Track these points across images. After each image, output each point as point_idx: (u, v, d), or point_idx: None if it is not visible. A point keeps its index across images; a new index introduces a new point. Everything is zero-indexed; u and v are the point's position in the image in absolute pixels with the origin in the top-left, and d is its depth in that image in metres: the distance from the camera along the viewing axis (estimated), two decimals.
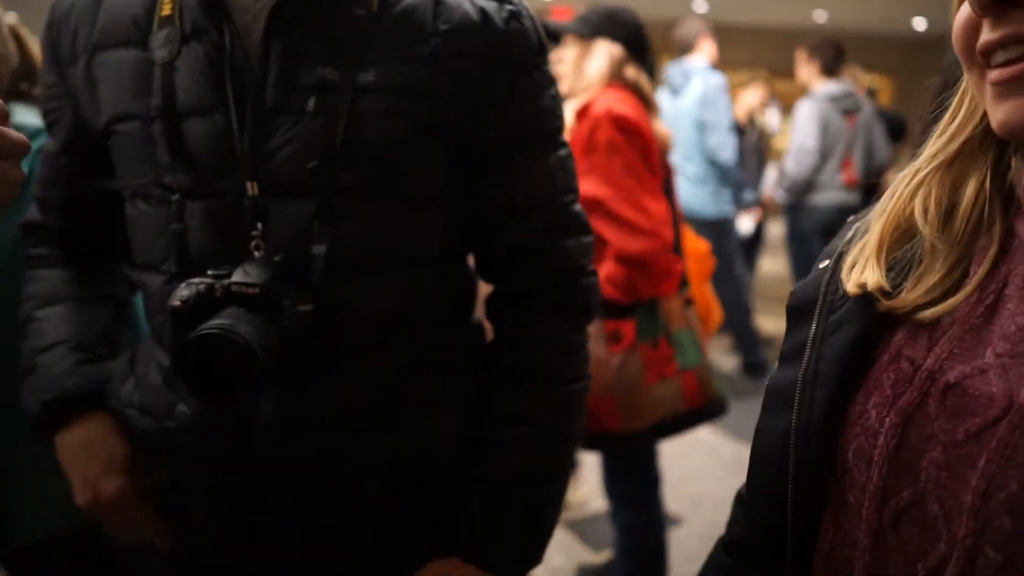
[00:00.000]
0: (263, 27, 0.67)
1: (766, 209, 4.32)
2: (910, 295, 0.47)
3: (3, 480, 1.06)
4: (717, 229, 3.44)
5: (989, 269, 0.44)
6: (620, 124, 1.45)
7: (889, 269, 0.49)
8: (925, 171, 0.48)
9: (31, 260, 0.87)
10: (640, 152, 1.46)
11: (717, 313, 1.78)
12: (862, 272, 0.49)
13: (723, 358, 4.03)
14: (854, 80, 4.24)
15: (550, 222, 0.78)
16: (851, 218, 0.58)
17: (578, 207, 0.80)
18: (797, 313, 0.54)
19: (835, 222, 3.65)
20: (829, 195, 3.65)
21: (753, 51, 8.98)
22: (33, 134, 1.08)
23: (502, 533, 0.77)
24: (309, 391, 0.71)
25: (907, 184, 0.49)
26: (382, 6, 0.70)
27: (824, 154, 3.60)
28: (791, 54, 3.86)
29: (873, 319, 0.48)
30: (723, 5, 8.42)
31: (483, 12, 0.72)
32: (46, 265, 0.86)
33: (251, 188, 0.68)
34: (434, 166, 0.73)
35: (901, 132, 4.51)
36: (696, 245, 1.73)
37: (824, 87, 3.63)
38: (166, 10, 0.69)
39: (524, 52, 0.74)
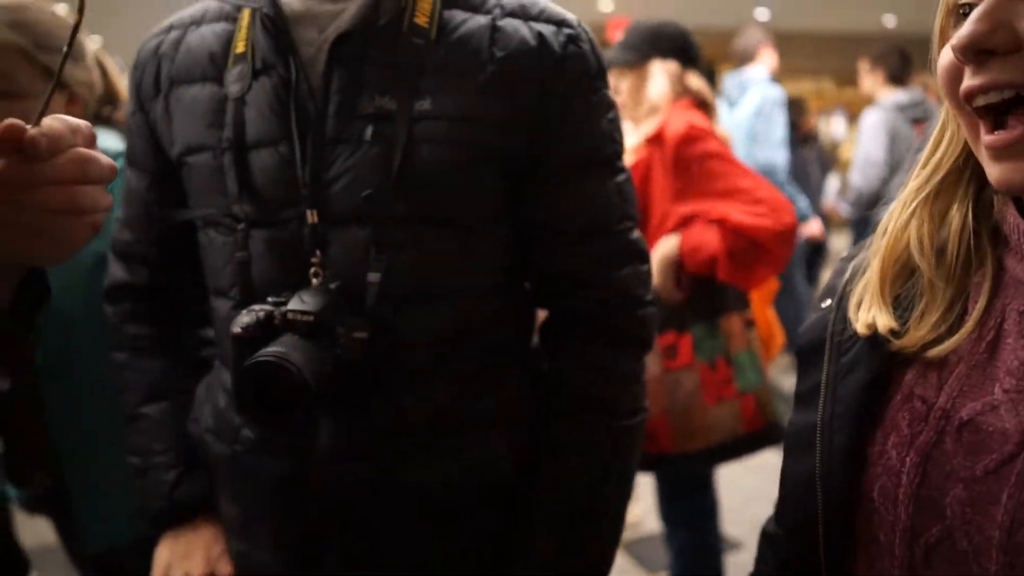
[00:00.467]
0: (325, 59, 0.70)
1: (828, 221, 4.17)
2: (916, 334, 0.48)
3: (76, 492, 1.12)
4: None
5: (985, 305, 0.46)
6: (704, 135, 1.45)
7: (894, 306, 0.50)
8: (913, 204, 0.50)
9: (131, 340, 0.88)
10: (725, 150, 1.48)
11: (779, 336, 1.73)
12: (869, 311, 0.50)
13: (783, 377, 3.91)
14: (925, 87, 4.07)
15: (606, 250, 0.77)
16: (845, 255, 0.60)
17: (636, 234, 0.79)
18: (807, 354, 0.56)
19: None
20: None
21: (818, 59, 8.74)
22: (115, 157, 1.14)
23: (558, 568, 0.76)
24: (364, 416, 0.72)
25: (898, 218, 0.51)
26: (439, 34, 0.71)
27: (892, 166, 3.46)
28: (857, 61, 3.73)
29: (884, 360, 0.49)
30: (785, 12, 8.23)
31: (540, 36, 0.72)
32: (143, 350, 0.87)
33: (311, 216, 0.70)
34: (490, 192, 0.73)
35: None
36: None
37: (891, 96, 3.49)
38: (240, 47, 0.73)
39: (581, 76, 0.74)
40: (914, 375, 0.48)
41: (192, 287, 0.84)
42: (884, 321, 0.49)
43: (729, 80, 3.47)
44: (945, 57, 0.46)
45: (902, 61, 3.51)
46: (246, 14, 0.73)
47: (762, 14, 8.45)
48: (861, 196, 3.50)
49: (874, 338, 0.49)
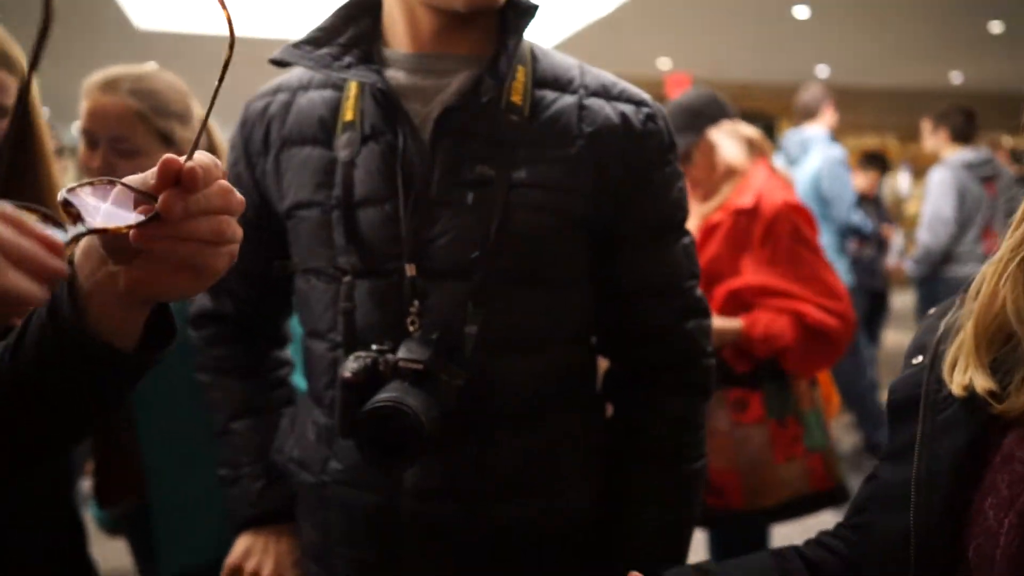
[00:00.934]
0: (431, 130, 0.76)
1: (889, 280, 4.08)
2: (1018, 400, 0.47)
3: (158, 512, 1.18)
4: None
5: None
6: (799, 215, 1.50)
7: (993, 369, 0.49)
8: (1007, 266, 0.49)
9: (215, 362, 0.95)
10: (814, 236, 1.52)
11: (836, 399, 1.73)
12: (965, 372, 0.50)
13: (843, 435, 3.79)
14: (993, 146, 4.00)
15: (678, 305, 0.83)
16: (932, 311, 0.59)
17: (699, 292, 0.85)
18: (899, 411, 0.55)
19: None
20: (968, 268, 3.42)
21: (880, 115, 8.66)
22: None
23: None
24: (454, 459, 0.77)
25: (992, 279, 0.50)
26: (533, 112, 0.78)
27: (962, 224, 3.39)
28: (922, 116, 3.70)
29: (983, 422, 0.49)
30: (846, 69, 8.20)
31: (623, 115, 0.79)
32: (227, 371, 0.95)
33: (410, 270, 0.76)
34: (576, 254, 0.79)
35: None
36: None
37: (958, 154, 3.44)
38: (349, 116, 0.80)
39: (658, 150, 0.81)
40: (1015, 438, 0.48)
41: (273, 315, 0.93)
42: (982, 383, 0.48)
43: (790, 137, 3.50)
44: None
45: (965, 120, 3.47)
46: (353, 85, 0.80)
47: (822, 71, 8.44)
48: (930, 254, 3.44)
49: (972, 399, 0.49)
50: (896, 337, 5.52)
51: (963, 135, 3.47)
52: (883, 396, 3.24)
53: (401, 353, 0.73)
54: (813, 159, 3.30)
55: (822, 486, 1.50)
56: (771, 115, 9.34)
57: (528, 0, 0.80)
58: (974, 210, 3.39)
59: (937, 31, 6.53)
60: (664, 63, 8.02)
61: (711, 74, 8.40)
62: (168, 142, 1.21)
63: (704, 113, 1.59)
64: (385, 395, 0.69)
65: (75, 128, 1.21)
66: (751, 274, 1.48)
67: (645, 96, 0.83)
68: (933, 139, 3.55)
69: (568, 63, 0.83)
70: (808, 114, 3.45)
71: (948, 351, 0.53)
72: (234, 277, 0.90)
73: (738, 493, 1.47)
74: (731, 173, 1.58)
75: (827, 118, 3.41)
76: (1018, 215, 0.50)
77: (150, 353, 0.50)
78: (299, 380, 1.22)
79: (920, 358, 0.56)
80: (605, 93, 0.80)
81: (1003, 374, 0.49)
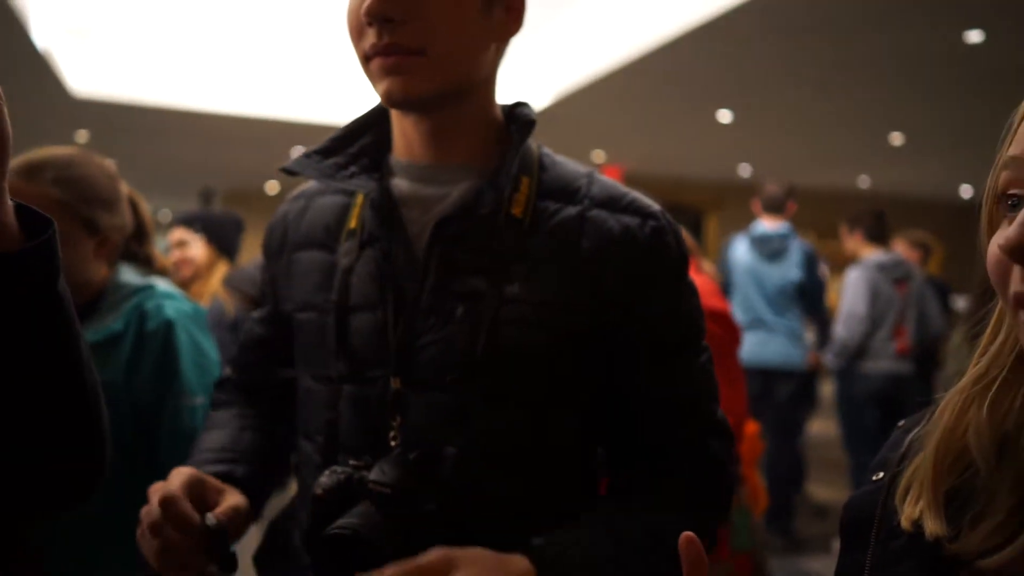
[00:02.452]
0: (427, 238, 0.75)
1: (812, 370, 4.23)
2: (972, 539, 0.44)
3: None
4: (803, 379, 3.69)
5: None
6: (716, 322, 1.46)
7: (950, 498, 0.47)
8: (969, 394, 0.48)
9: (213, 405, 0.95)
10: (728, 344, 1.48)
11: (763, 498, 1.73)
12: (917, 505, 0.47)
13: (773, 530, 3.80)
14: (907, 246, 4.29)
15: (695, 424, 0.78)
16: (901, 424, 0.56)
17: (721, 414, 0.80)
18: (852, 530, 0.52)
19: (887, 391, 3.57)
20: (881, 363, 3.59)
21: (799, 212, 9.20)
22: (134, 291, 1.18)
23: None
24: None
25: (954, 408, 0.48)
26: (534, 223, 0.76)
27: (875, 321, 3.58)
28: (837, 216, 3.96)
29: (935, 558, 0.46)
30: (766, 169, 8.76)
31: (626, 228, 0.76)
32: (223, 406, 0.93)
33: (394, 382, 0.73)
34: (571, 373, 0.75)
35: (944, 298, 4.48)
36: (747, 426, 1.71)
37: (872, 255, 3.68)
38: (352, 224, 0.80)
39: (665, 266, 0.77)
40: None
41: (284, 413, 0.90)
42: (932, 527, 0.45)
43: (764, 229, 3.64)
44: (993, 249, 0.44)
45: (876, 221, 3.72)
46: (361, 193, 0.80)
47: (745, 169, 8.99)
48: (845, 348, 3.61)
49: (921, 535, 0.46)
50: (819, 426, 5.67)
51: (876, 236, 3.73)
52: (809, 487, 3.35)
53: (373, 474, 0.69)
54: (795, 253, 3.55)
55: None
56: (699, 209, 9.82)
57: (527, 115, 0.80)
58: (886, 309, 3.60)
59: (846, 139, 7.09)
60: (598, 155, 8.38)
61: (643, 168, 8.83)
62: (93, 230, 1.15)
63: None
64: (345, 520, 0.66)
65: None
66: None
67: (655, 208, 0.79)
68: (850, 240, 3.79)
69: (577, 172, 0.81)
70: (775, 210, 3.63)
71: (905, 474, 0.49)
72: (246, 378, 0.93)
73: None
74: None
75: (788, 214, 3.67)
76: (984, 339, 0.49)
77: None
78: None
79: (880, 475, 0.52)
80: (611, 205, 0.78)
81: (958, 506, 0.46)
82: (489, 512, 0.72)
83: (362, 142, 0.82)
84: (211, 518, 0.71)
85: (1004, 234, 0.42)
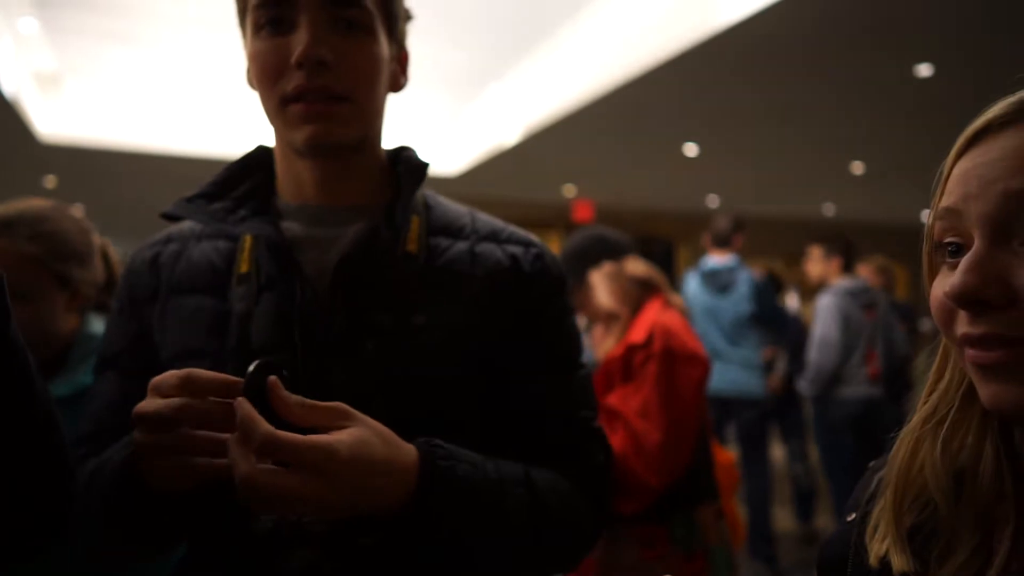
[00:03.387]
0: (328, 279, 0.75)
1: (775, 392, 4.28)
2: (938, 574, 0.44)
3: None
4: (762, 408, 3.73)
5: (1010, 547, 0.43)
6: (679, 359, 1.49)
7: (913, 533, 0.47)
8: (920, 433, 0.49)
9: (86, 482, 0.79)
10: (685, 381, 1.50)
11: (742, 530, 1.73)
12: (883, 543, 0.47)
13: (750, 562, 3.80)
14: (871, 271, 4.40)
15: (575, 434, 0.82)
16: (872, 464, 0.57)
17: (596, 424, 0.85)
18: (828, 571, 0.53)
19: (862, 415, 3.62)
20: (856, 388, 3.65)
21: (766, 240, 9.39)
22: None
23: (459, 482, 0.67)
24: None
25: (908, 446, 0.49)
26: (428, 258, 0.79)
27: (847, 347, 3.65)
28: (802, 243, 4.05)
29: None
30: (733, 198, 8.94)
31: (513, 257, 0.82)
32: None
33: None
34: (473, 389, 0.79)
35: (912, 320, 4.59)
36: (722, 456, 1.72)
37: (842, 282, 3.76)
38: (244, 267, 0.78)
39: (547, 287, 0.84)
40: None
41: None
42: (899, 563, 0.45)
43: (714, 263, 3.74)
44: (937, 294, 0.46)
45: (850, 249, 3.83)
46: (248, 237, 0.79)
47: (713, 200, 9.17)
48: (820, 373, 3.65)
49: (889, 572, 0.46)
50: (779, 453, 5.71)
51: (847, 265, 3.84)
52: (780, 513, 3.35)
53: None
54: (743, 285, 3.64)
55: None
56: (669, 239, 9.96)
57: (417, 159, 0.83)
58: (857, 334, 3.67)
59: (809, 168, 7.28)
60: (569, 190, 8.48)
61: (613, 201, 8.96)
62: (65, 284, 1.14)
63: (588, 255, 1.66)
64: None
65: None
66: (612, 397, 1.50)
67: (532, 238, 0.87)
68: (823, 265, 3.86)
69: (459, 211, 0.86)
70: (723, 243, 3.74)
71: (873, 512, 0.50)
72: (109, 432, 0.80)
73: None
74: (611, 316, 1.63)
75: (737, 247, 3.76)
76: (930, 379, 0.50)
77: None
78: None
79: (852, 515, 0.53)
80: (495, 237, 0.84)
81: (922, 541, 0.47)
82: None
83: (246, 186, 0.82)
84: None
85: (948, 282, 0.43)
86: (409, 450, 0.64)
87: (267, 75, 0.74)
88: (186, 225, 0.85)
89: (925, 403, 0.50)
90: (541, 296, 0.83)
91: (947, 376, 0.49)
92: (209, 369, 0.73)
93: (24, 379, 0.63)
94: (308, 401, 0.59)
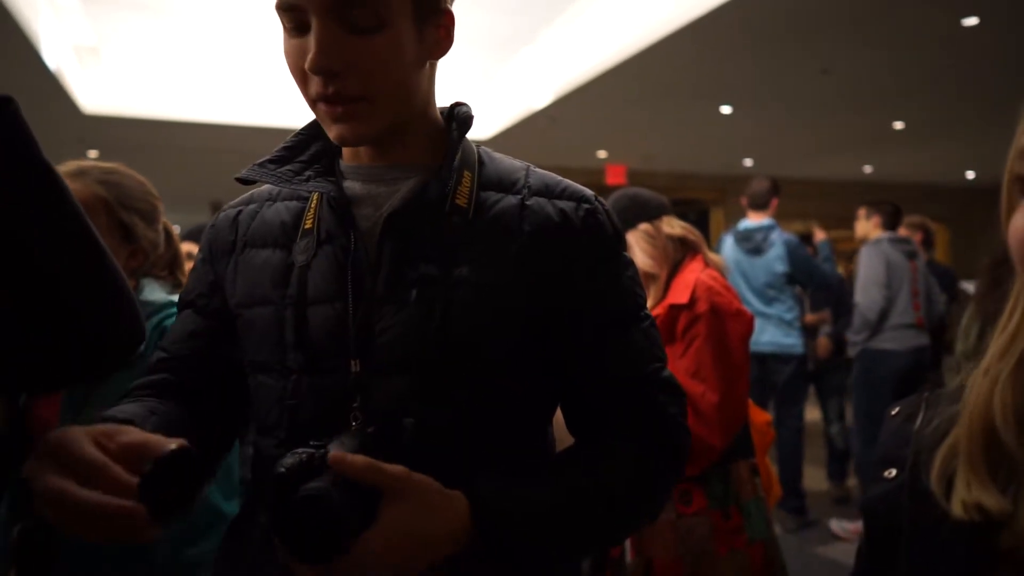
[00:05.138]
0: (379, 232, 0.80)
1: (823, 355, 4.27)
2: (1020, 523, 0.41)
3: None
4: (800, 364, 3.76)
5: None
6: (724, 317, 1.51)
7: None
8: (995, 371, 0.47)
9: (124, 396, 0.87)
10: (734, 340, 1.53)
11: (777, 488, 1.76)
12: (969, 489, 0.44)
13: (786, 518, 3.84)
14: (906, 230, 4.35)
15: (643, 388, 0.82)
16: (894, 411, 0.55)
17: (667, 373, 0.85)
18: (879, 533, 0.50)
19: (912, 368, 3.58)
20: (904, 336, 3.63)
21: (802, 203, 9.21)
22: (157, 309, 1.24)
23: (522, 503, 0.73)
24: None
25: (980, 386, 0.47)
26: (476, 212, 0.82)
27: (893, 291, 3.64)
28: (841, 205, 4.05)
29: (985, 542, 0.43)
30: (769, 160, 8.77)
31: (563, 212, 0.82)
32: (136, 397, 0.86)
33: (354, 366, 0.78)
34: (520, 349, 0.81)
35: (951, 285, 4.51)
36: (758, 416, 1.74)
37: (884, 234, 3.77)
38: (308, 224, 0.84)
39: (600, 242, 0.84)
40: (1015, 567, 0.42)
41: (221, 409, 0.89)
42: (995, 503, 0.42)
43: (747, 226, 3.77)
44: (1017, 224, 0.45)
45: (895, 211, 3.87)
46: (315, 197, 0.85)
47: (748, 162, 9.00)
48: (866, 316, 3.66)
49: (969, 523, 0.43)
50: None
51: (892, 224, 3.85)
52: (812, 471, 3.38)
53: (332, 448, 0.71)
54: (777, 247, 3.64)
55: None
56: (704, 202, 9.84)
57: (466, 113, 0.86)
58: (902, 277, 3.66)
59: (848, 127, 7.10)
60: (602, 154, 8.40)
61: (646, 165, 8.85)
62: (127, 236, 1.21)
63: (624, 217, 1.66)
64: (311, 485, 0.66)
65: None
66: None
67: (588, 193, 0.86)
68: (865, 223, 3.87)
69: (515, 166, 0.88)
70: (760, 206, 3.75)
71: (934, 463, 0.46)
72: (185, 368, 0.89)
73: None
74: (647, 276, 1.64)
75: (772, 210, 3.76)
76: (1003, 317, 0.48)
77: None
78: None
79: (893, 472, 0.50)
80: (548, 192, 0.84)
81: (1000, 486, 0.44)
82: (447, 479, 0.74)
83: (311, 150, 0.88)
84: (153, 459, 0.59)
85: None
86: (457, 508, 0.69)
87: (294, 75, 0.77)
88: (265, 188, 0.91)
89: (998, 342, 0.48)
90: (593, 251, 0.82)
91: (1018, 315, 0.47)
92: (270, 317, 0.82)
93: (61, 197, 0.69)
94: (374, 464, 0.64)
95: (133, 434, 0.64)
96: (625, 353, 0.82)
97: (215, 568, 0.90)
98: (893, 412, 0.56)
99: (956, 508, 0.44)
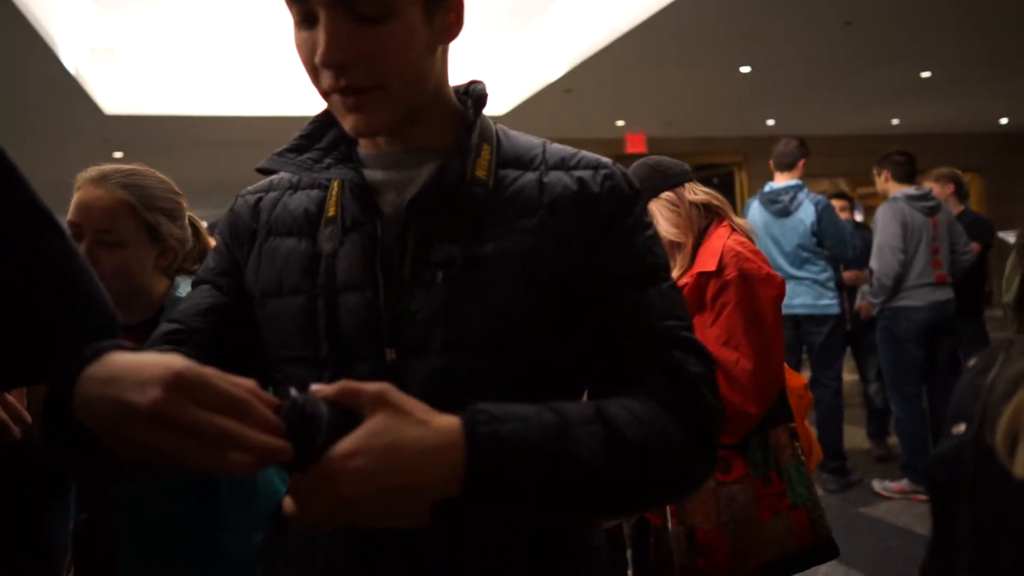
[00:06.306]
0: (402, 218, 0.80)
1: (863, 316, 4.20)
2: None
3: None
4: (837, 324, 3.71)
5: None
6: (754, 283, 1.49)
7: None
8: None
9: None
10: (766, 305, 1.51)
11: (818, 449, 1.74)
12: None
13: (829, 480, 3.82)
14: (936, 183, 4.23)
15: (658, 342, 0.78)
16: (971, 363, 0.52)
17: (688, 334, 0.80)
18: (945, 490, 0.48)
19: (935, 322, 3.53)
20: (922, 294, 3.55)
21: (829, 160, 9.02)
22: None
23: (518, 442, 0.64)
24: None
25: None
26: (496, 189, 0.81)
27: (910, 251, 3.55)
28: (869, 160, 3.94)
29: None
30: (792, 119, 8.58)
31: (580, 180, 0.82)
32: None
33: (389, 353, 0.78)
34: (549, 319, 0.80)
35: (988, 234, 4.36)
36: (794, 380, 1.72)
37: (901, 190, 3.65)
38: (331, 212, 0.84)
39: (618, 203, 0.82)
40: None
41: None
42: None
43: (775, 188, 3.71)
44: None
45: (906, 161, 3.71)
46: (336, 184, 0.85)
47: (770, 123, 8.82)
48: (882, 280, 3.60)
49: None
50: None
51: (905, 175, 3.69)
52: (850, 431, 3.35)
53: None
54: (806, 209, 3.58)
55: (807, 543, 1.49)
56: (729, 166, 9.68)
57: (480, 90, 0.86)
58: (920, 239, 3.56)
59: (873, 80, 6.91)
60: (620, 123, 8.30)
61: (666, 132, 8.72)
62: (154, 236, 1.23)
63: (645, 186, 1.62)
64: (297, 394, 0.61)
65: None
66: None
67: (604, 160, 0.85)
68: (880, 181, 3.76)
69: (532, 143, 0.87)
70: (787, 167, 3.68)
71: (1001, 419, 0.43)
72: (198, 343, 0.84)
73: (726, 553, 1.46)
74: (672, 245, 1.62)
75: (800, 171, 3.69)
76: None
77: None
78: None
79: (962, 427, 0.48)
80: (563, 165, 0.84)
81: None
82: None
83: (329, 137, 0.87)
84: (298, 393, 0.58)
85: None
86: (449, 424, 0.63)
87: (306, 68, 0.76)
88: (285, 176, 0.91)
89: None
90: (611, 214, 0.81)
91: None
92: (299, 306, 0.81)
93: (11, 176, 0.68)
94: (351, 384, 0.59)
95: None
96: (637, 310, 0.79)
97: (262, 551, 0.90)
98: (970, 364, 0.54)
99: (1018, 469, 0.42)
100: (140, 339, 0.85)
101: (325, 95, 0.77)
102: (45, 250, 0.76)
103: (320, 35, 0.71)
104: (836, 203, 4.03)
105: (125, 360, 0.58)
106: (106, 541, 1.21)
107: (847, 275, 4.05)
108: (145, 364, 0.56)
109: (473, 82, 0.88)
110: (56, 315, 0.76)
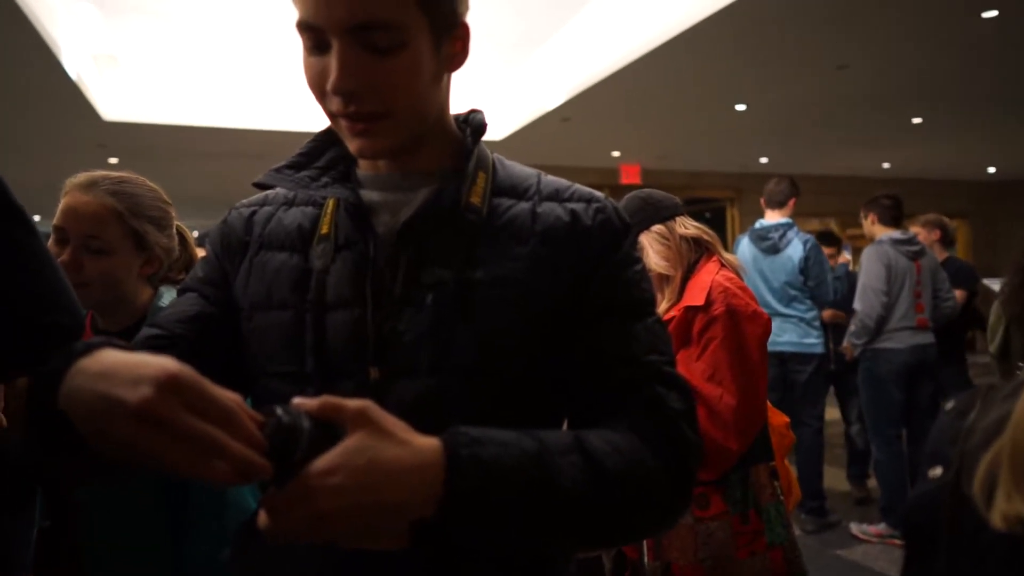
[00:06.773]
0: (396, 239, 0.81)
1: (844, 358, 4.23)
2: None
3: None
4: (821, 363, 3.73)
5: None
6: (740, 320, 1.50)
7: None
8: None
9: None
10: (750, 342, 1.51)
11: (797, 491, 1.74)
12: (1010, 501, 0.41)
13: (807, 521, 3.81)
14: (922, 228, 4.29)
15: (640, 377, 0.78)
16: (949, 406, 0.53)
17: (669, 369, 0.80)
18: (919, 534, 0.48)
19: (914, 366, 3.56)
20: (904, 337, 3.58)
21: (820, 200, 9.13)
22: None
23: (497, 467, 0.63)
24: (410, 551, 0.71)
25: None
26: (490, 216, 0.83)
27: (894, 295, 3.59)
28: (859, 201, 3.99)
29: (1021, 564, 0.41)
30: (785, 157, 8.69)
31: (573, 213, 0.84)
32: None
33: (373, 372, 0.78)
34: (534, 346, 0.80)
35: (973, 281, 4.41)
36: (777, 418, 1.73)
37: (887, 234, 3.70)
38: (325, 229, 0.85)
39: (609, 237, 0.83)
40: None
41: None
42: None
43: (764, 225, 3.75)
44: None
45: (892, 205, 3.75)
46: (331, 202, 0.86)
47: (763, 160, 8.93)
48: (864, 322, 3.63)
49: (1009, 533, 0.41)
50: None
51: (891, 219, 3.73)
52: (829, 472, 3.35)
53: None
54: (795, 247, 3.62)
55: None
56: (720, 201, 9.78)
57: (480, 120, 0.88)
58: (903, 281, 3.60)
59: (865, 123, 7.02)
60: (616, 153, 8.38)
61: (660, 164, 8.82)
62: (141, 244, 1.23)
63: (636, 218, 1.64)
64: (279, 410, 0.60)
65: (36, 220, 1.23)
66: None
67: (597, 194, 0.87)
68: (867, 224, 3.81)
69: (527, 173, 0.89)
70: (778, 204, 3.74)
71: (979, 467, 0.44)
72: (180, 351, 0.82)
73: None
74: (661, 278, 1.63)
75: (790, 209, 3.74)
76: None
77: None
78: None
79: (939, 470, 0.48)
80: (557, 196, 0.85)
81: None
82: None
83: (328, 156, 0.89)
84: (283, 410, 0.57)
85: None
86: (430, 444, 0.62)
87: (314, 91, 0.78)
88: (280, 192, 0.92)
89: None
90: (602, 247, 0.82)
91: None
92: (286, 321, 0.82)
93: None
94: (333, 399, 0.59)
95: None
96: (621, 342, 0.79)
97: (230, 565, 0.89)
98: (948, 407, 0.54)
99: (996, 519, 0.42)
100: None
101: (332, 117, 0.78)
102: (14, 244, 0.76)
103: (332, 63, 0.73)
104: (826, 250, 4.07)
105: (119, 357, 0.58)
106: (70, 549, 1.19)
107: (826, 314, 4.08)
108: (140, 363, 0.56)
109: (473, 111, 0.90)
110: (21, 311, 0.75)
